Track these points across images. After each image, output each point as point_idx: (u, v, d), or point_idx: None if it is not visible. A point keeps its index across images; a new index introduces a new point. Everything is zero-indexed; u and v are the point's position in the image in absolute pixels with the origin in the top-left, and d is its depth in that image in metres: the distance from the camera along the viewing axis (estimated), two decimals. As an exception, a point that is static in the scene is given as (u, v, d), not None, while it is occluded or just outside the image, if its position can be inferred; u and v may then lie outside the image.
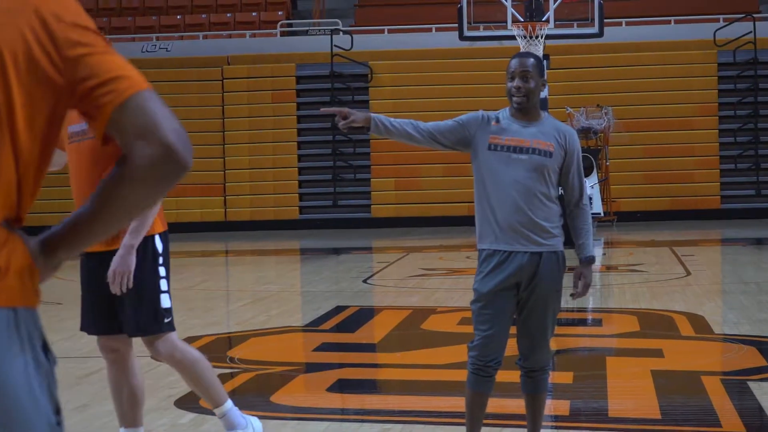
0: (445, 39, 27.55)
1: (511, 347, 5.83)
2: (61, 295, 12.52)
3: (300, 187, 28.56)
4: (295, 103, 28.60)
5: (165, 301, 5.96)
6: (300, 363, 9.70)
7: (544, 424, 6.20)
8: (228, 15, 30.45)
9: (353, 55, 27.91)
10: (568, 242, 5.62)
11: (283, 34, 29.80)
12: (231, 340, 10.90)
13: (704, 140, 27.61)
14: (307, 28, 30.13)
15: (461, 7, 22.88)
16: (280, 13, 30.39)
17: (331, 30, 28.50)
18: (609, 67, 27.85)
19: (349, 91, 28.33)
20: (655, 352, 9.56)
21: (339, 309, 12.78)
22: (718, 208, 27.32)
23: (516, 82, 5.68)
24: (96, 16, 29.86)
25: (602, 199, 25.16)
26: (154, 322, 5.93)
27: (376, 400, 8.20)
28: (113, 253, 5.81)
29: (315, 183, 28.60)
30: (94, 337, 6.14)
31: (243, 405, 6.76)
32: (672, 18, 28.37)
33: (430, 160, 27.13)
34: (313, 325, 11.74)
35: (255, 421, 6.32)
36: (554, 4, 22.11)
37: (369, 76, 28.34)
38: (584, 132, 24.88)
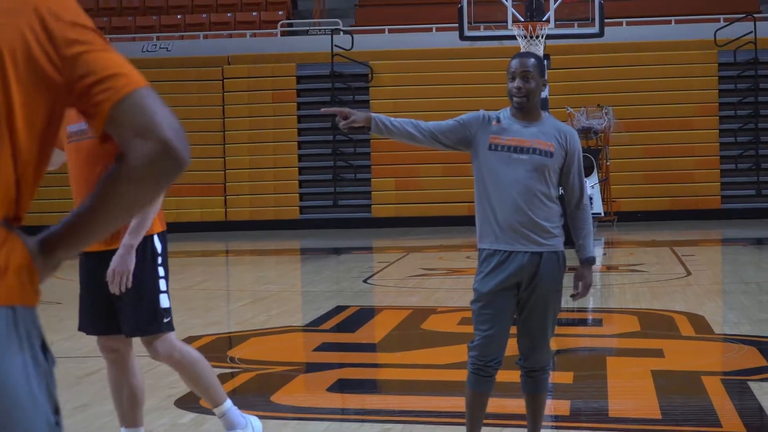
0: (445, 39, 27.55)
1: (512, 347, 5.83)
2: (61, 294, 12.51)
3: (300, 186, 28.56)
4: (295, 103, 28.60)
5: (164, 301, 5.95)
6: (300, 363, 9.70)
7: (544, 424, 6.20)
8: (228, 15, 30.45)
9: (354, 55, 27.91)
10: (569, 242, 5.62)
11: (283, 33, 29.80)
12: (231, 340, 10.90)
13: (705, 140, 27.61)
14: (308, 28, 30.14)
15: (462, 7, 22.88)
16: (280, 12, 30.39)
17: (332, 30, 28.50)
18: (609, 67, 27.85)
19: (349, 91, 28.33)
20: (656, 352, 9.55)
21: (339, 309, 12.78)
22: (719, 208, 27.32)
23: (517, 83, 5.68)
24: (96, 16, 29.86)
25: (602, 199, 25.16)
26: (153, 322, 5.93)
27: (377, 400, 8.20)
28: (112, 252, 5.80)
29: (315, 183, 28.60)
30: (94, 337, 6.14)
31: (243, 405, 6.75)
32: (672, 18, 28.37)
33: (431, 160, 27.13)
34: (314, 325, 11.74)
35: (255, 421, 6.32)
36: (555, 4, 22.11)
37: (369, 76, 28.35)
38: (585, 132, 24.87)
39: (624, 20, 28.06)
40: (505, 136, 5.67)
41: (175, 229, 24.66)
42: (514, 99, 5.69)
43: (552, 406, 7.41)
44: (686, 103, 27.59)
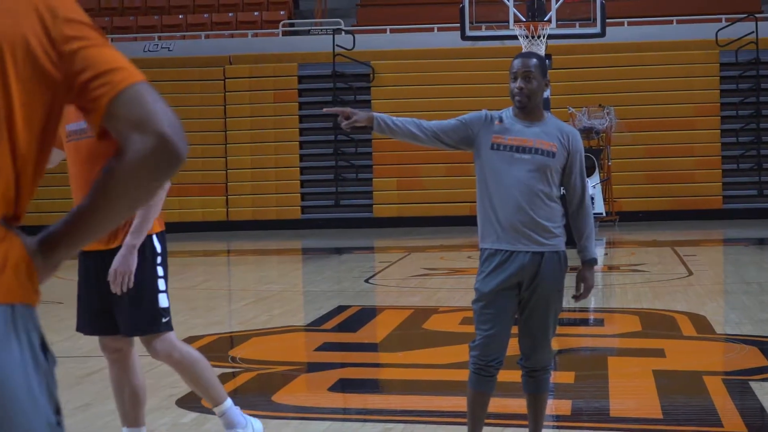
0: (447, 39, 27.55)
1: (513, 347, 5.83)
2: (62, 294, 12.50)
3: (302, 186, 28.56)
4: (297, 103, 28.60)
5: (163, 301, 5.95)
6: (302, 362, 9.71)
7: (545, 423, 6.20)
8: (230, 14, 30.44)
9: (355, 55, 27.91)
10: (570, 242, 5.62)
11: (285, 33, 29.80)
12: (233, 340, 10.90)
13: (706, 140, 27.60)
14: (309, 28, 30.13)
15: (463, 6, 22.88)
16: (282, 12, 30.39)
17: (333, 30, 28.49)
18: (611, 67, 27.84)
19: (351, 90, 28.32)
20: (657, 352, 9.55)
21: (341, 309, 12.78)
22: (720, 208, 27.31)
23: (518, 83, 5.68)
24: (98, 16, 29.86)
25: (604, 199, 25.15)
26: (152, 322, 5.93)
27: (378, 400, 8.20)
28: (111, 251, 5.81)
29: (317, 183, 28.60)
30: (95, 337, 6.14)
31: (245, 404, 6.76)
32: (674, 18, 28.36)
33: (432, 159, 27.12)
34: (315, 325, 11.74)
35: (255, 422, 6.31)
36: (556, 4, 22.11)
37: (371, 75, 28.34)
38: (586, 132, 24.86)
39: (625, 20, 28.05)
40: (508, 135, 5.67)
41: (177, 228, 24.70)
42: (516, 99, 5.69)
43: (553, 405, 7.41)
44: (688, 103, 27.58)
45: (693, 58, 27.70)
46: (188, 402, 7.58)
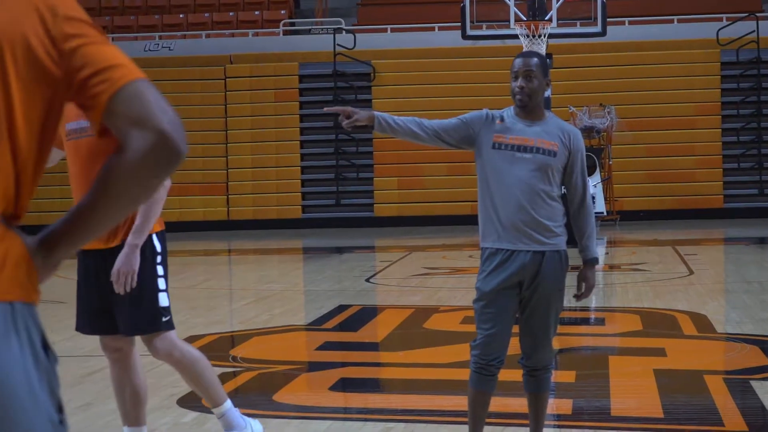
0: (448, 38, 27.54)
1: (514, 346, 5.83)
2: (63, 293, 12.50)
3: (303, 186, 28.56)
4: (297, 102, 28.60)
5: (163, 300, 5.95)
6: (302, 362, 9.71)
7: (546, 423, 6.20)
8: (231, 14, 30.44)
9: (356, 54, 27.91)
10: (571, 241, 5.62)
11: (285, 33, 29.80)
12: (234, 339, 10.90)
13: (707, 139, 27.60)
14: (310, 27, 30.13)
15: (464, 6, 22.88)
16: (282, 12, 30.39)
17: (334, 29, 28.49)
18: (612, 66, 27.83)
19: (351, 90, 28.32)
20: (658, 351, 9.55)
21: (342, 308, 12.78)
22: (721, 207, 27.31)
23: (519, 82, 5.68)
24: (99, 15, 29.88)
25: (605, 198, 25.15)
26: (152, 321, 5.92)
27: (379, 399, 8.20)
28: (111, 250, 5.81)
29: (318, 182, 28.60)
30: (96, 336, 6.14)
31: (245, 404, 6.76)
32: (675, 17, 28.36)
33: (433, 159, 27.12)
34: (316, 324, 11.75)
35: (255, 424, 6.31)
36: (557, 3, 22.11)
37: (372, 75, 28.34)
38: (587, 131, 24.84)
39: (626, 19, 28.05)
40: (509, 134, 5.67)
41: (177, 228, 24.71)
42: (517, 98, 5.69)
43: (554, 405, 7.41)
44: (688, 103, 27.58)
45: (694, 57, 27.70)
46: (189, 401, 7.58)
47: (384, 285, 15.85)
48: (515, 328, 5.77)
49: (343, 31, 28.31)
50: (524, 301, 5.72)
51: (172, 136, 2.24)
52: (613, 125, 25.52)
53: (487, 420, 5.95)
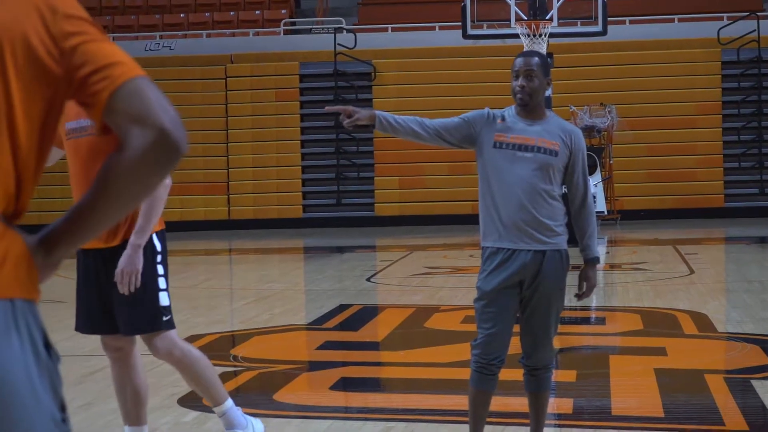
0: (448, 37, 27.54)
1: (515, 345, 5.83)
2: (64, 293, 12.51)
3: (303, 185, 28.56)
4: (298, 102, 28.60)
5: (164, 299, 5.95)
6: (303, 361, 9.71)
7: (547, 422, 6.20)
8: (231, 13, 30.44)
9: (357, 54, 27.91)
10: (572, 240, 5.62)
11: (286, 32, 29.80)
12: (234, 339, 10.90)
13: (708, 139, 27.59)
14: (311, 27, 30.13)
15: (465, 5, 22.88)
16: (283, 11, 30.40)
17: (335, 28, 28.49)
18: (612, 65, 27.83)
19: (352, 89, 28.32)
20: (659, 350, 9.55)
21: (342, 307, 12.78)
22: (722, 206, 27.31)
23: (520, 81, 5.68)
24: (99, 15, 29.88)
25: (606, 198, 25.15)
26: (152, 321, 5.92)
27: (380, 399, 8.20)
28: (111, 250, 5.81)
29: (318, 181, 28.60)
30: (97, 336, 6.14)
31: (246, 403, 6.76)
32: (676, 16, 28.36)
33: (434, 158, 27.12)
34: (317, 324, 11.75)
35: (256, 423, 6.31)
36: (558, 2, 22.10)
37: (372, 74, 28.34)
38: (588, 130, 24.84)
39: (627, 19, 28.04)
40: (510, 134, 5.67)
41: (178, 227, 24.71)
42: (518, 97, 5.69)
43: (555, 404, 7.41)
44: (689, 102, 27.58)
45: (694, 56, 27.69)
46: (190, 401, 7.58)
47: (385, 284, 15.85)
48: (516, 328, 5.77)
49: (344, 31, 28.32)
50: (525, 301, 5.72)
51: (173, 133, 2.24)
52: (613, 124, 25.52)
53: (488, 419, 5.95)
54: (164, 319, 5.95)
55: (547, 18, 22.02)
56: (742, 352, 9.50)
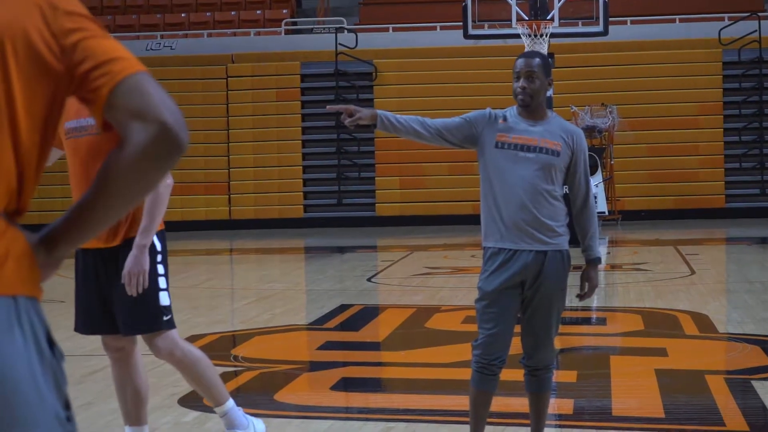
0: (449, 37, 27.53)
1: (516, 346, 5.83)
2: (64, 293, 12.50)
3: (304, 185, 28.56)
4: (299, 102, 28.59)
5: (164, 299, 5.95)
6: (304, 361, 9.71)
7: (547, 422, 6.20)
8: (232, 13, 30.45)
9: (358, 54, 27.91)
10: (573, 241, 5.62)
11: (287, 32, 29.80)
12: (235, 339, 10.90)
13: (709, 139, 27.59)
14: (312, 27, 30.13)
15: (466, 5, 22.87)
16: (284, 11, 30.39)
17: (336, 28, 28.49)
18: (614, 65, 27.82)
19: (353, 89, 28.32)
20: (659, 351, 9.55)
21: (343, 307, 12.78)
22: (723, 207, 27.30)
23: (521, 82, 5.68)
24: (101, 14, 29.88)
25: (607, 198, 25.14)
26: (152, 321, 5.92)
27: (380, 399, 8.20)
28: (111, 249, 5.80)
29: (319, 181, 28.60)
30: (97, 336, 6.13)
31: (247, 403, 6.76)
32: (677, 17, 28.35)
33: (435, 158, 27.11)
34: (318, 324, 11.75)
35: (258, 423, 6.30)
36: (559, 2, 22.09)
37: (374, 74, 28.34)
38: (589, 131, 24.83)
39: (628, 19, 28.04)
40: (512, 134, 5.67)
41: (179, 227, 24.72)
42: (519, 98, 5.69)
43: (555, 404, 7.41)
44: (690, 102, 27.57)
45: (696, 56, 27.68)
46: (190, 401, 7.58)
47: (385, 284, 15.85)
48: (517, 328, 5.77)
49: (345, 31, 28.31)
50: (526, 301, 5.72)
51: (173, 128, 2.23)
52: (614, 125, 25.51)
53: (489, 420, 5.95)
54: (164, 318, 5.95)
55: (548, 18, 22.01)
56: (743, 352, 9.50)
